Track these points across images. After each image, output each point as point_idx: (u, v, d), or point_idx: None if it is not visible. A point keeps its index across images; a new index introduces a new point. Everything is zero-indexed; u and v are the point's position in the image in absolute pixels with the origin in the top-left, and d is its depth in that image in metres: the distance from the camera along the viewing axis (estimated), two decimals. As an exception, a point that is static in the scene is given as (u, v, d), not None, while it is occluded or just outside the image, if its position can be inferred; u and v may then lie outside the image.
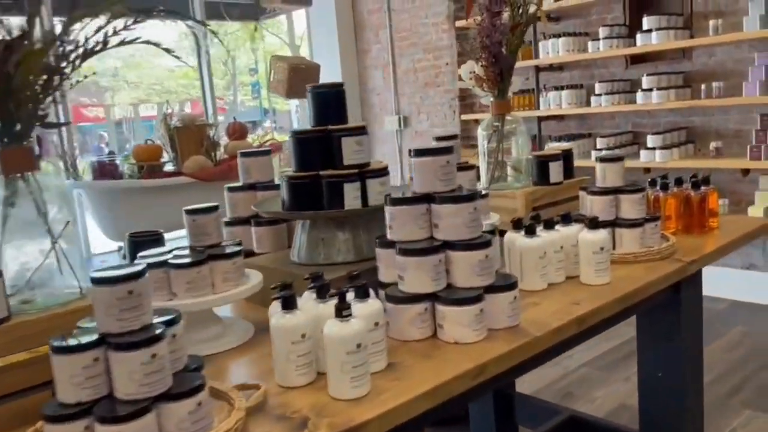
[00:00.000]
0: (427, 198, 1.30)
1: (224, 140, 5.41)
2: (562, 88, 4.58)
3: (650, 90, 4.05)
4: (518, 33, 2.00)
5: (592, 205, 1.77)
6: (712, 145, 3.96)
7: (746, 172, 3.92)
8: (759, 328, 3.72)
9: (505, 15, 2.00)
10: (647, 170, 4.30)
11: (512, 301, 1.29)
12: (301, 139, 1.50)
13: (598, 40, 4.26)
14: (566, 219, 1.62)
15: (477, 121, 5.62)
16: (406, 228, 1.30)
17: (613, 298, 1.47)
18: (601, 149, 4.36)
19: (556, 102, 4.57)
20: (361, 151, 1.50)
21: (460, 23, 5.07)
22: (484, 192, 1.86)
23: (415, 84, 6.02)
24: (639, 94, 4.12)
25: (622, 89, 4.39)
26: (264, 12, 5.97)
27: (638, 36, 4.05)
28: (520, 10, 1.98)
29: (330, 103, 1.53)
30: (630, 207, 1.75)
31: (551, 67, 4.85)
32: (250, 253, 1.62)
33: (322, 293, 1.13)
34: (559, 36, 4.48)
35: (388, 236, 1.32)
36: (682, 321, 1.91)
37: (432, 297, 1.25)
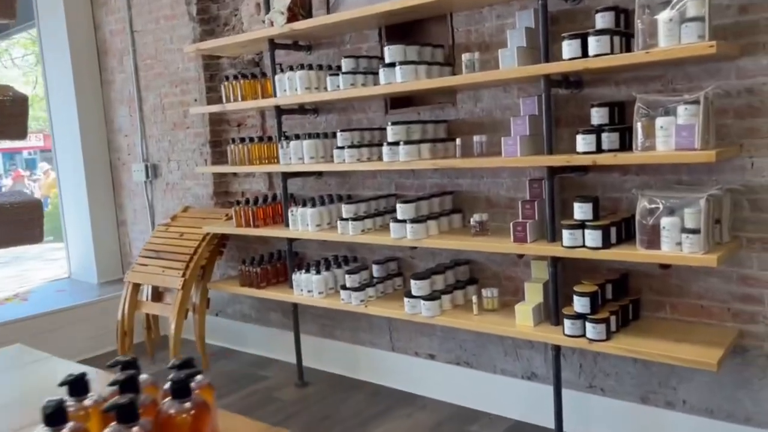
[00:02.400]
0: None
1: None
2: (307, 136, 3.49)
3: (396, 144, 3.03)
4: None
5: None
6: (475, 218, 2.98)
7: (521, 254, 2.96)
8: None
9: None
10: (414, 248, 3.26)
11: None
12: None
13: (337, 75, 3.21)
14: None
15: (236, 175, 4.45)
16: None
17: None
18: (346, 219, 3.28)
19: (298, 155, 3.47)
20: None
21: (208, 45, 3.89)
22: None
23: (164, 124, 4.77)
24: (385, 149, 3.08)
25: (377, 140, 3.36)
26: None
27: (381, 72, 3.03)
28: None
29: None
30: None
31: (303, 110, 3.77)
32: None
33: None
34: (296, 69, 3.40)
35: None
36: None
37: None
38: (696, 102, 2.32)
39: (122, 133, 5.09)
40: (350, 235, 3.27)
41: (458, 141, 2.96)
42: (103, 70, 5.12)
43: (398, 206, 3.08)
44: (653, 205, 2.44)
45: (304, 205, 3.51)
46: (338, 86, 3.21)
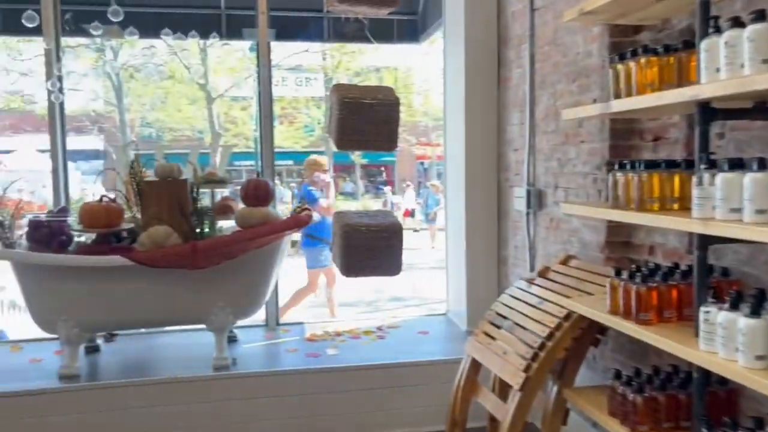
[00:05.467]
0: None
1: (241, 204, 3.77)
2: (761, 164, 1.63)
3: None
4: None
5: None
6: None
7: None
8: None
9: None
10: None
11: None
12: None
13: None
14: None
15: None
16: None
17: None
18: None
19: (731, 202, 1.65)
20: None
21: (596, 3, 2.42)
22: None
23: (555, 136, 3.39)
24: None
25: None
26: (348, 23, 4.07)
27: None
28: None
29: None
30: None
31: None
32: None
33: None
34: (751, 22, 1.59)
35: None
36: None
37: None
38: None
39: (512, 147, 3.92)
40: (839, 411, 1.33)
41: None
42: (501, 65, 4.04)
43: None
44: None
45: (736, 304, 1.67)
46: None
